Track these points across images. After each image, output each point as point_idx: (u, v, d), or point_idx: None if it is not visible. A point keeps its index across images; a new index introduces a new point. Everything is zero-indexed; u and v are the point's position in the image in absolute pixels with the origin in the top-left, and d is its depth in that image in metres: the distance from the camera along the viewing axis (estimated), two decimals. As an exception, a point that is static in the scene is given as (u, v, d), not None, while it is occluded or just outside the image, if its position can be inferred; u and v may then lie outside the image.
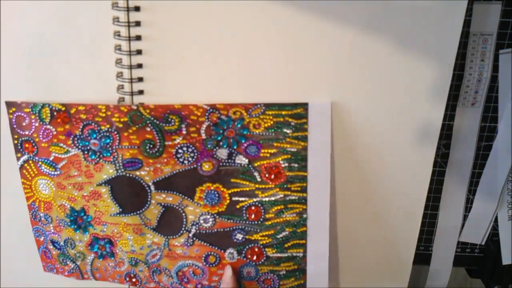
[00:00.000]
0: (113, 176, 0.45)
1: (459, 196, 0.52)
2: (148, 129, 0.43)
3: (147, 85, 0.42)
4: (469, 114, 0.49)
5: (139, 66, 0.42)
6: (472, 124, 0.49)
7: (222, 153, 0.43)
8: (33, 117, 0.44)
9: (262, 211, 0.44)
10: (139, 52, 0.41)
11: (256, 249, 0.46)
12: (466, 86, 0.48)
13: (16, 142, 0.45)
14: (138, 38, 0.41)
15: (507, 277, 0.54)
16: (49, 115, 0.44)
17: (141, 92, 0.42)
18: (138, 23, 0.41)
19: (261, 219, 0.45)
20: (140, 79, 0.42)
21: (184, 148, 0.43)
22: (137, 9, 0.40)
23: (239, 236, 0.45)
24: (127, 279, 0.49)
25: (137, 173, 0.44)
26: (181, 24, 0.41)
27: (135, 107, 0.42)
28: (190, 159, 0.43)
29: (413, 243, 0.48)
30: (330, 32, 0.40)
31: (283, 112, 0.42)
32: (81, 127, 0.44)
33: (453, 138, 0.49)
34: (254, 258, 0.46)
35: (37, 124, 0.44)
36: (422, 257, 0.55)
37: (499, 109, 0.48)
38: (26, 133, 0.45)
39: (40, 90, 0.44)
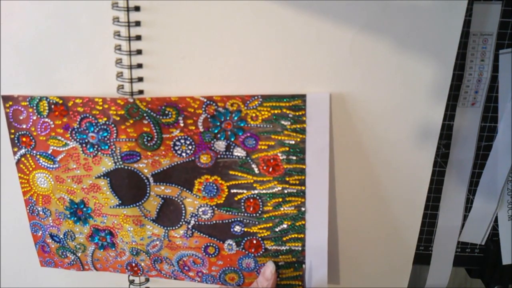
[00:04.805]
0: (111, 168, 0.45)
1: (459, 196, 0.51)
2: (145, 122, 0.43)
3: (147, 85, 0.42)
4: (469, 114, 0.48)
5: (139, 66, 0.42)
6: (472, 124, 0.49)
7: (220, 145, 0.43)
8: (30, 110, 0.44)
9: (260, 203, 0.45)
10: (139, 52, 0.41)
11: (255, 242, 0.46)
12: (466, 86, 0.47)
13: (12, 136, 0.46)
14: (138, 38, 0.41)
15: (507, 277, 0.54)
16: (46, 108, 0.44)
17: (141, 92, 0.43)
18: (138, 23, 0.41)
19: (259, 212, 0.45)
20: (140, 79, 0.42)
21: (182, 141, 0.43)
22: (137, 9, 0.40)
23: (238, 228, 0.46)
24: (129, 268, 0.50)
25: (136, 165, 0.45)
26: (181, 24, 0.40)
27: (131, 100, 0.42)
28: (188, 151, 0.44)
29: (413, 243, 0.48)
30: (329, 33, 0.40)
31: (281, 104, 0.41)
32: (78, 120, 0.44)
33: (453, 138, 0.49)
34: (253, 250, 0.46)
35: (34, 118, 0.45)
36: (422, 257, 0.54)
37: (499, 109, 0.48)
38: (24, 126, 0.45)
39: (40, 91, 0.44)
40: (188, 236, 0.47)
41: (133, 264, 0.50)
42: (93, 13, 0.41)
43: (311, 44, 0.40)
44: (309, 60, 0.41)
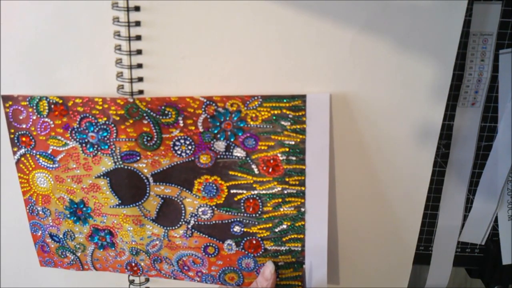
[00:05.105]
0: (111, 168, 0.45)
1: (459, 196, 0.51)
2: (145, 121, 0.43)
3: (147, 85, 0.42)
4: (469, 114, 0.48)
5: (139, 66, 0.42)
6: (472, 124, 0.49)
7: (220, 145, 0.43)
8: (30, 110, 0.44)
9: (260, 204, 0.45)
10: (139, 52, 0.41)
11: (254, 242, 0.46)
12: (466, 86, 0.47)
13: (12, 136, 0.46)
14: (138, 38, 0.41)
15: (507, 277, 0.54)
16: (46, 108, 0.44)
17: (141, 92, 0.42)
18: (138, 23, 0.41)
19: (259, 212, 0.45)
20: (140, 79, 0.42)
21: (182, 141, 0.43)
22: (137, 9, 0.40)
23: (237, 229, 0.46)
24: (128, 268, 0.50)
25: (135, 165, 0.45)
26: (181, 24, 0.40)
27: (131, 100, 0.42)
28: (187, 151, 0.44)
29: (413, 243, 0.48)
30: (329, 33, 0.40)
31: (281, 104, 0.41)
32: (78, 119, 0.44)
33: (453, 138, 0.49)
34: (252, 250, 0.46)
35: (34, 117, 0.44)
36: (422, 257, 0.54)
37: (499, 109, 0.48)
38: (23, 126, 0.45)
39: (40, 90, 0.44)
40: (187, 236, 0.47)
41: (133, 264, 0.50)
42: (93, 13, 0.41)
43: (311, 44, 0.40)
44: (309, 60, 0.41)
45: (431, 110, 0.42)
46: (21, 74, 0.44)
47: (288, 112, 0.42)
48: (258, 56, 0.41)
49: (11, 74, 0.44)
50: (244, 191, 0.44)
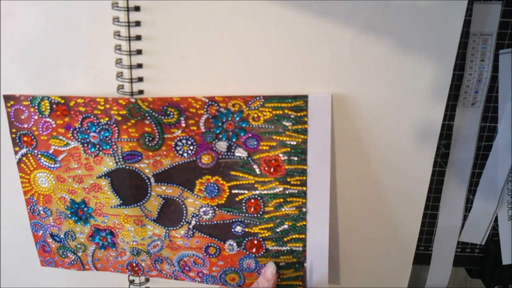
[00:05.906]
0: (112, 168, 0.45)
1: (459, 196, 0.51)
2: (147, 122, 0.43)
3: (147, 85, 0.42)
4: (469, 114, 0.48)
5: (139, 66, 0.42)
6: (472, 124, 0.49)
7: (221, 145, 0.43)
8: (32, 110, 0.44)
9: (262, 204, 0.45)
10: (139, 52, 0.41)
11: (256, 242, 0.46)
12: (466, 86, 0.47)
13: (14, 136, 0.46)
14: (138, 38, 0.41)
15: (507, 277, 0.54)
16: (48, 108, 0.44)
17: (141, 92, 0.43)
18: (138, 23, 0.41)
19: (261, 212, 0.45)
20: (140, 79, 0.42)
21: (183, 141, 0.43)
22: (137, 9, 0.40)
23: (239, 229, 0.46)
24: (129, 268, 0.50)
25: (137, 165, 0.45)
26: (181, 24, 0.40)
27: (133, 100, 0.42)
28: (189, 151, 0.44)
29: (413, 243, 0.48)
30: (330, 33, 0.40)
31: (283, 105, 0.42)
32: (80, 119, 0.44)
33: (453, 138, 0.49)
34: (254, 250, 0.46)
35: (36, 117, 0.44)
36: (422, 257, 0.55)
37: (499, 109, 0.48)
38: (25, 126, 0.45)
39: (41, 90, 0.44)
40: (189, 236, 0.47)
41: (134, 264, 0.50)
42: (93, 13, 0.41)
43: (311, 44, 0.40)
44: (309, 61, 0.41)
45: (431, 110, 0.42)
46: (22, 74, 0.44)
47: (290, 113, 0.42)
48: (258, 57, 0.41)
49: (12, 74, 0.44)
50: (246, 191, 0.45)
